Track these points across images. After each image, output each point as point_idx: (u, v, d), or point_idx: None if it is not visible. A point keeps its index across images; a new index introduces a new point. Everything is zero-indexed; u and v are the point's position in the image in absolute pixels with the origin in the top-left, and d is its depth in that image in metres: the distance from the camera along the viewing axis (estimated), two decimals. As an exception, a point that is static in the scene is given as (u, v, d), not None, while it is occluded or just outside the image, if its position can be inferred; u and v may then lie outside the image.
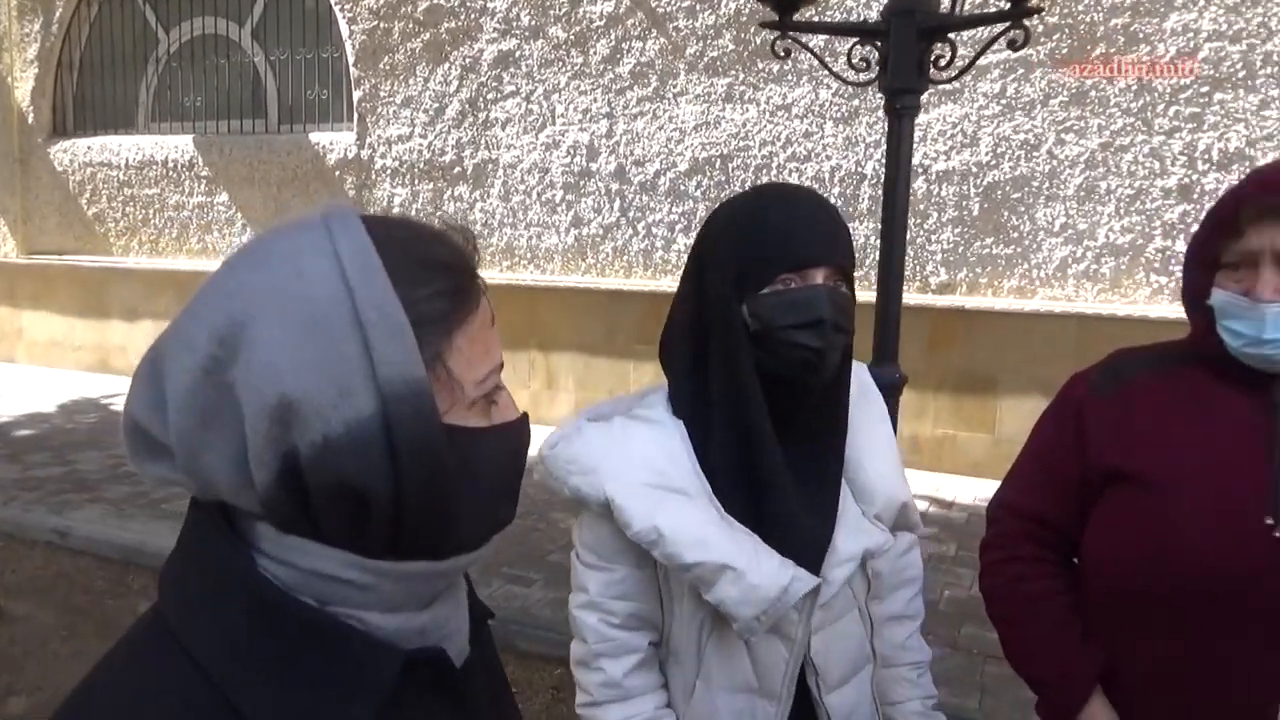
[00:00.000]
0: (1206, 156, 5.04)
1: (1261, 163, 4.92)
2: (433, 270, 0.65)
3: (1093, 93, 5.22)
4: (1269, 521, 1.20)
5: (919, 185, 5.61)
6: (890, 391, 2.15)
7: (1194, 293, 1.31)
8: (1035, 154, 5.39)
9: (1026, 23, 1.91)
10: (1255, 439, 1.25)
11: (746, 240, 1.21)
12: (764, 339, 1.19)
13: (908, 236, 5.54)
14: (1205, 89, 5.02)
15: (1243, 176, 1.30)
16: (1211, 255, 1.28)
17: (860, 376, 1.37)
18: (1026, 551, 1.43)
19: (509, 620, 3.54)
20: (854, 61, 2.08)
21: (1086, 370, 1.45)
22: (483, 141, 6.81)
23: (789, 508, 1.20)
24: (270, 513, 0.61)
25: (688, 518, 1.17)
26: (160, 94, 8.25)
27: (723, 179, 6.12)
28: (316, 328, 0.59)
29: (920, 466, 5.46)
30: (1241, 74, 4.95)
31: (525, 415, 0.74)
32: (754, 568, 1.15)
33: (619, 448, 1.22)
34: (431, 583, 0.68)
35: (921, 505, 4.99)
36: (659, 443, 1.23)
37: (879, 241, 2.28)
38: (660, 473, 1.20)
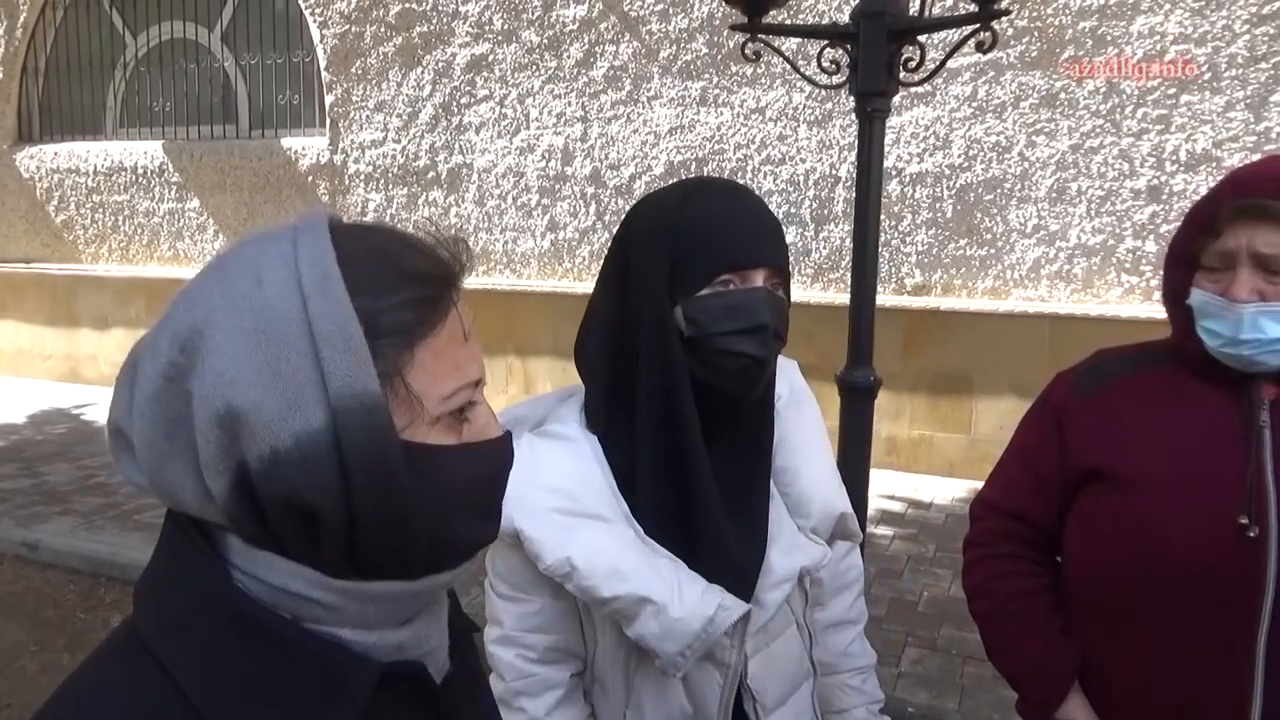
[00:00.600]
0: (1175, 158, 5.10)
1: (1228, 164, 5.00)
2: (397, 281, 0.63)
3: (1062, 95, 5.28)
4: (1242, 521, 1.21)
5: (893, 188, 5.65)
6: (865, 395, 2.15)
7: (1174, 292, 1.32)
8: (1007, 156, 5.43)
9: (995, 25, 1.92)
10: (1233, 439, 1.26)
11: (682, 237, 1.11)
12: (698, 345, 1.10)
13: (882, 239, 5.60)
14: (1172, 91, 5.08)
15: (1220, 178, 1.31)
16: (1190, 255, 1.29)
17: (789, 375, 1.30)
18: (1008, 549, 1.44)
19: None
20: (824, 64, 2.09)
21: (1069, 370, 1.46)
22: (457, 146, 6.78)
23: (718, 530, 1.11)
24: (234, 526, 0.61)
25: (603, 546, 1.09)
26: (128, 99, 8.15)
27: (698, 182, 6.12)
28: (268, 338, 0.58)
29: (897, 468, 5.48)
30: (1207, 76, 5.01)
31: (507, 435, 0.71)
32: (676, 599, 1.07)
33: (526, 472, 1.10)
34: (405, 603, 0.66)
35: (898, 506, 5.02)
36: (570, 463, 1.14)
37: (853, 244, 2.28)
38: (572, 497, 1.11)
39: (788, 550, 1.19)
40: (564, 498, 1.11)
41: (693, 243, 1.11)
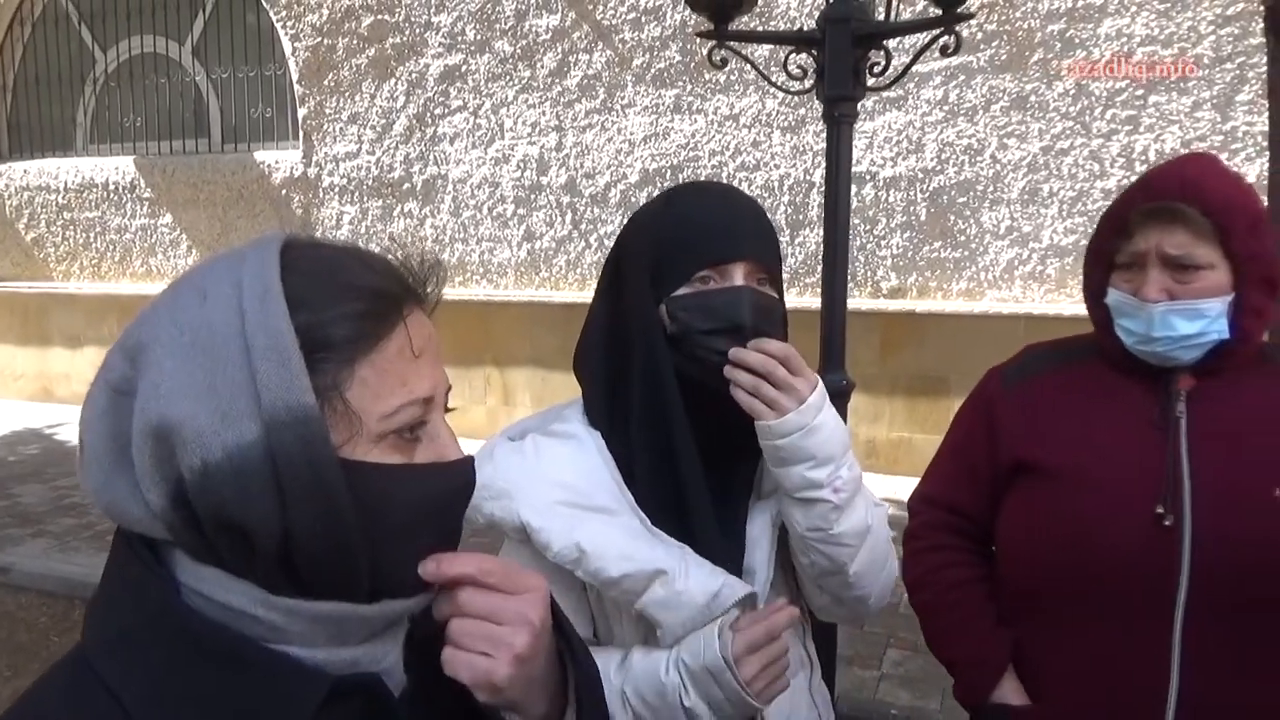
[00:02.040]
0: (1144, 158, 5.15)
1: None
2: (340, 295, 0.62)
3: (1032, 97, 5.33)
4: (1159, 511, 1.26)
5: (867, 192, 5.68)
6: (838, 398, 2.15)
7: (1094, 291, 1.39)
8: (979, 158, 5.47)
9: (962, 29, 1.93)
10: (1152, 431, 1.32)
11: (662, 235, 1.13)
12: (682, 343, 1.12)
13: (858, 243, 5.63)
14: (1140, 92, 5.14)
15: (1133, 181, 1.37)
16: (1106, 256, 1.35)
17: None
18: (945, 541, 1.48)
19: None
20: (791, 70, 2.09)
21: (1001, 365, 1.52)
22: (431, 157, 6.76)
23: (710, 530, 1.13)
24: (177, 541, 0.60)
25: (611, 534, 1.10)
26: (99, 115, 8.08)
27: (673, 189, 6.14)
28: (204, 352, 0.58)
29: (877, 470, 5.50)
30: (1174, 77, 5.07)
31: (468, 459, 0.69)
32: (683, 574, 1.09)
33: (531, 468, 1.13)
34: (355, 626, 0.64)
35: (879, 509, 5.02)
36: (575, 459, 1.15)
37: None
38: (578, 491, 1.12)
39: (758, 510, 1.20)
40: (569, 491, 1.12)
41: (673, 241, 1.12)
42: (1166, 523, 1.26)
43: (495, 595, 0.67)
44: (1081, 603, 1.32)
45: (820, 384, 1.13)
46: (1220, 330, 1.28)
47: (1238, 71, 4.97)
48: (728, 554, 1.15)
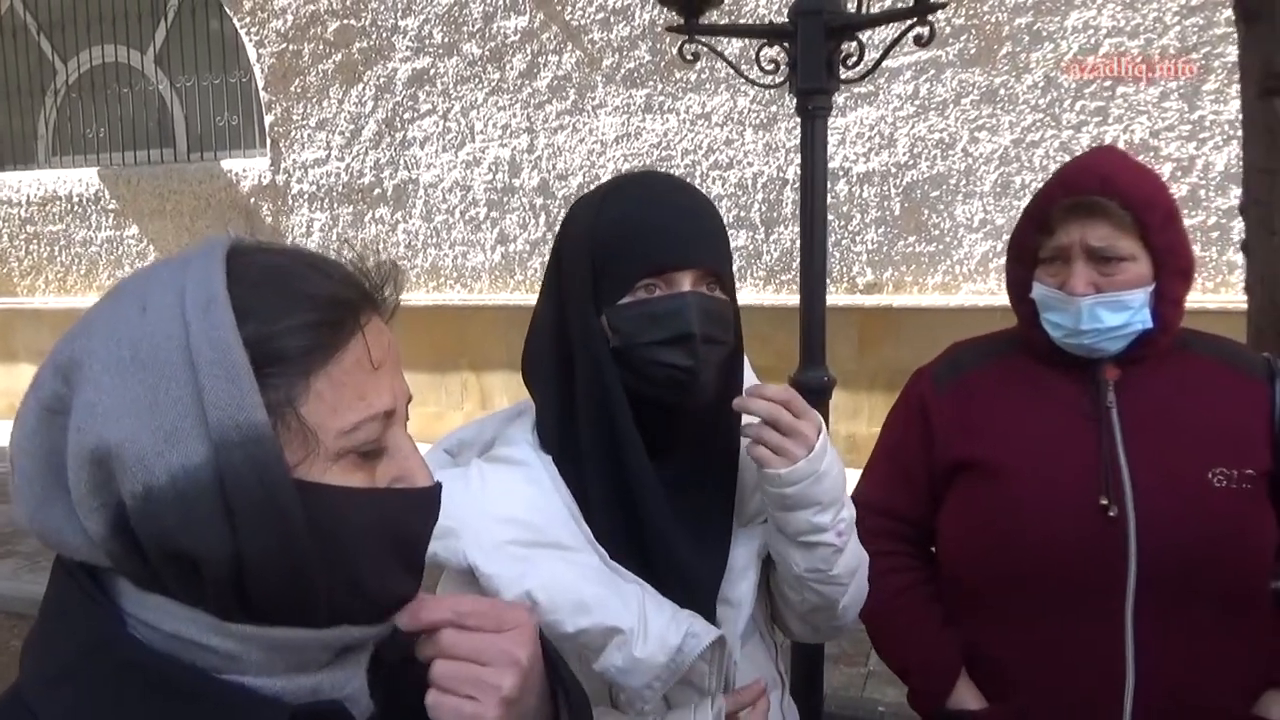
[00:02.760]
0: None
1: (1165, 152, 5.10)
2: (291, 304, 0.57)
3: (1002, 90, 5.35)
4: (1103, 502, 1.28)
5: (841, 188, 5.67)
6: (820, 395, 2.13)
7: (1017, 286, 1.41)
8: (951, 152, 5.49)
9: (933, 21, 1.91)
10: (1084, 422, 1.34)
11: (601, 239, 1.03)
12: (626, 356, 1.02)
13: (833, 239, 5.62)
14: (1108, 84, 5.17)
15: (1050, 177, 1.39)
16: (1030, 251, 1.37)
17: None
18: (886, 546, 1.46)
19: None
20: (763, 64, 2.07)
21: (929, 365, 1.53)
22: (401, 162, 6.69)
23: (672, 553, 1.04)
24: (120, 569, 0.56)
25: (565, 577, 1.00)
26: (60, 126, 7.93)
27: (647, 190, 6.11)
28: (144, 367, 0.53)
29: (858, 466, 5.46)
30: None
31: (435, 487, 0.65)
32: (641, 631, 0.99)
33: (478, 503, 1.03)
34: (314, 652, 0.60)
35: (861, 504, 5.02)
36: (525, 490, 1.05)
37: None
38: (529, 527, 1.03)
39: (747, 553, 1.13)
40: (520, 528, 1.03)
41: (612, 247, 1.03)
42: (1111, 513, 1.28)
43: (479, 635, 0.64)
44: (1030, 598, 1.33)
45: (822, 424, 1.08)
46: (1144, 320, 1.31)
47: (1203, 61, 5.01)
48: (694, 577, 1.06)
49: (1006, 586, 1.35)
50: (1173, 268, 1.33)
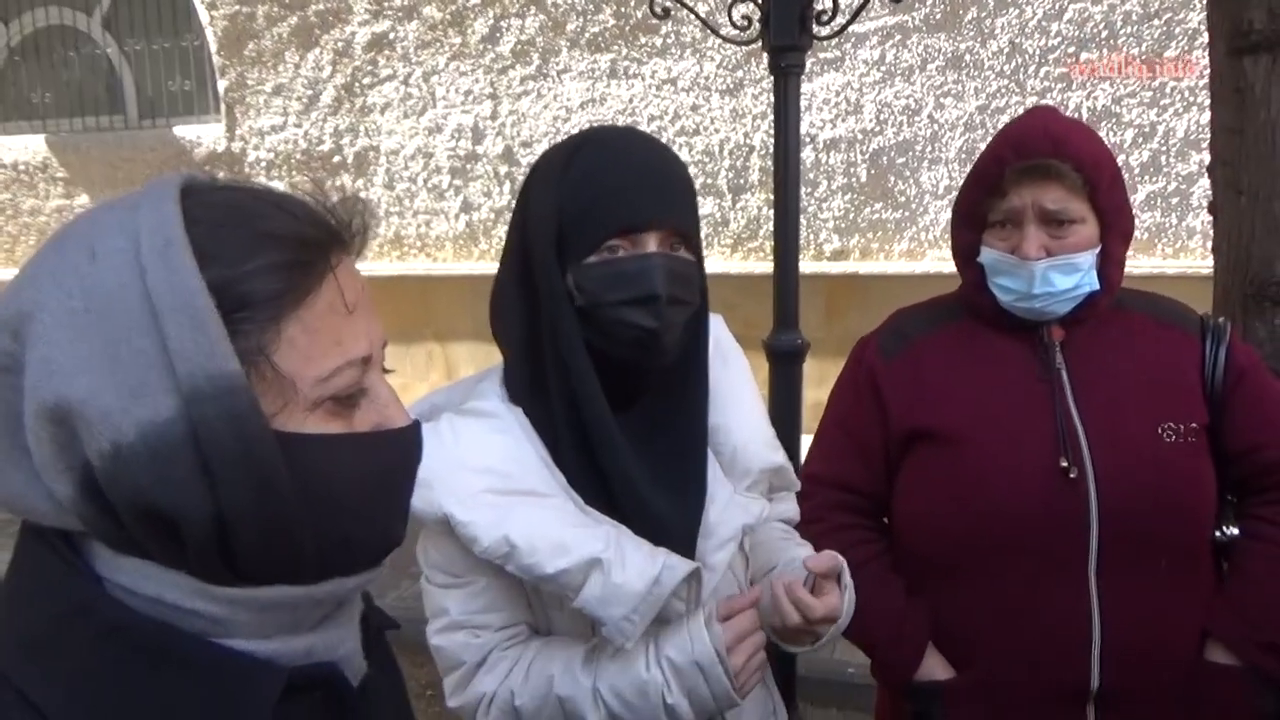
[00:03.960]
0: (1076, 115, 5.21)
1: (1127, 119, 5.14)
2: (256, 245, 0.54)
3: (968, 57, 5.34)
4: (1063, 464, 1.29)
5: (807, 154, 5.65)
6: (793, 358, 2.13)
7: (964, 250, 1.40)
8: (916, 119, 5.48)
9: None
10: (1036, 384, 1.35)
11: (566, 197, 1.04)
12: (591, 315, 1.04)
13: (800, 206, 5.60)
14: (1072, 49, 5.19)
15: (995, 136, 1.39)
16: (978, 215, 1.36)
17: (715, 332, 1.24)
18: (841, 520, 1.46)
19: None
20: (735, 21, 2.03)
21: (872, 334, 1.52)
22: (362, 129, 6.56)
23: (641, 494, 1.06)
24: (93, 532, 0.53)
25: (542, 521, 1.02)
26: (3, 92, 7.66)
27: (613, 157, 6.05)
28: (101, 318, 0.50)
29: (824, 433, 5.53)
30: (1104, 34, 5.13)
31: (414, 425, 0.63)
32: (618, 563, 1.01)
33: (451, 455, 1.04)
34: (306, 610, 0.58)
35: (828, 471, 5.06)
36: (496, 440, 1.07)
37: (771, 211, 2.24)
38: (503, 475, 1.05)
39: (726, 509, 1.14)
40: (495, 477, 1.04)
41: (577, 206, 1.03)
42: (1071, 474, 1.28)
43: None
44: (995, 563, 1.33)
45: (850, 591, 1.14)
46: (1091, 283, 1.32)
47: (1165, 28, 5.04)
48: (666, 522, 1.08)
49: (969, 554, 1.35)
50: (1118, 229, 1.34)
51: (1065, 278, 1.29)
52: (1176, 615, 1.32)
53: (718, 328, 1.26)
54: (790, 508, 1.35)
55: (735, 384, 1.23)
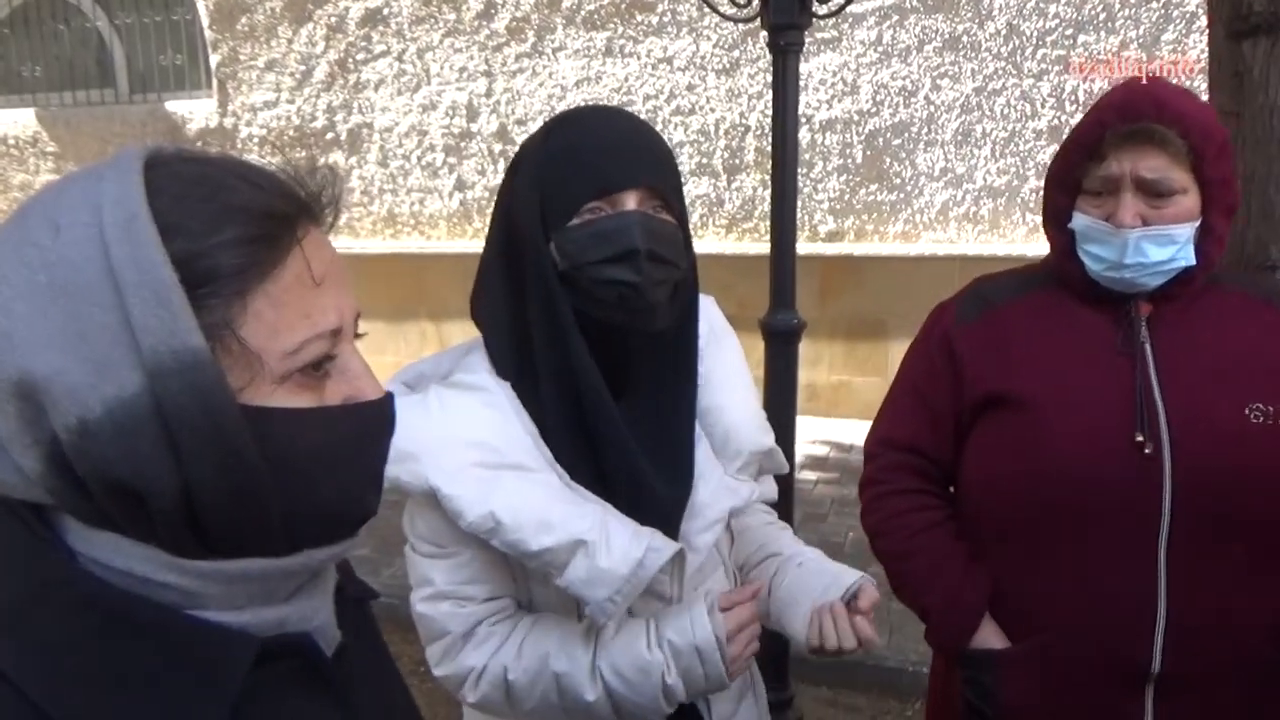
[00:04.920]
0: (1074, 98, 5.20)
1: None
2: (220, 218, 0.54)
3: (964, 38, 5.32)
4: (1139, 439, 1.25)
5: (803, 135, 5.63)
6: (789, 338, 2.13)
7: (1056, 215, 1.35)
8: (913, 100, 5.47)
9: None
10: (1117, 358, 1.30)
11: (548, 167, 1.07)
12: (575, 278, 1.05)
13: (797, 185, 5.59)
14: (1069, 32, 5.17)
15: (1099, 101, 1.32)
16: (1073, 180, 1.30)
17: (708, 313, 1.25)
18: (906, 484, 1.44)
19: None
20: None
21: (950, 300, 1.48)
22: (355, 105, 6.51)
23: (633, 466, 1.08)
24: (63, 505, 0.53)
25: (528, 496, 1.04)
26: (-7, 64, 7.58)
27: (608, 136, 6.01)
28: (64, 293, 0.50)
29: (818, 413, 5.55)
30: (1102, 16, 5.11)
31: (386, 396, 0.62)
32: (603, 545, 1.03)
33: (439, 427, 1.06)
34: (278, 582, 0.58)
35: (822, 450, 5.08)
36: (486, 413, 1.08)
37: (766, 191, 2.24)
38: (490, 448, 1.06)
39: (715, 491, 1.15)
40: (483, 450, 1.05)
41: (559, 172, 1.06)
42: (1147, 450, 1.24)
43: None
44: (1061, 534, 1.30)
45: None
46: (1187, 257, 1.27)
47: (1162, 11, 5.03)
48: (656, 497, 1.09)
49: (1035, 523, 1.31)
50: (1222, 203, 1.28)
51: (1160, 249, 1.24)
52: (1250, 603, 1.27)
53: (710, 309, 1.27)
54: (770, 489, 1.35)
55: (728, 366, 1.24)
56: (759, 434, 1.24)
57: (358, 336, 0.63)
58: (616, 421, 1.07)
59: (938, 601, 1.39)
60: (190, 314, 0.51)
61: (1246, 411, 1.25)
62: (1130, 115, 1.24)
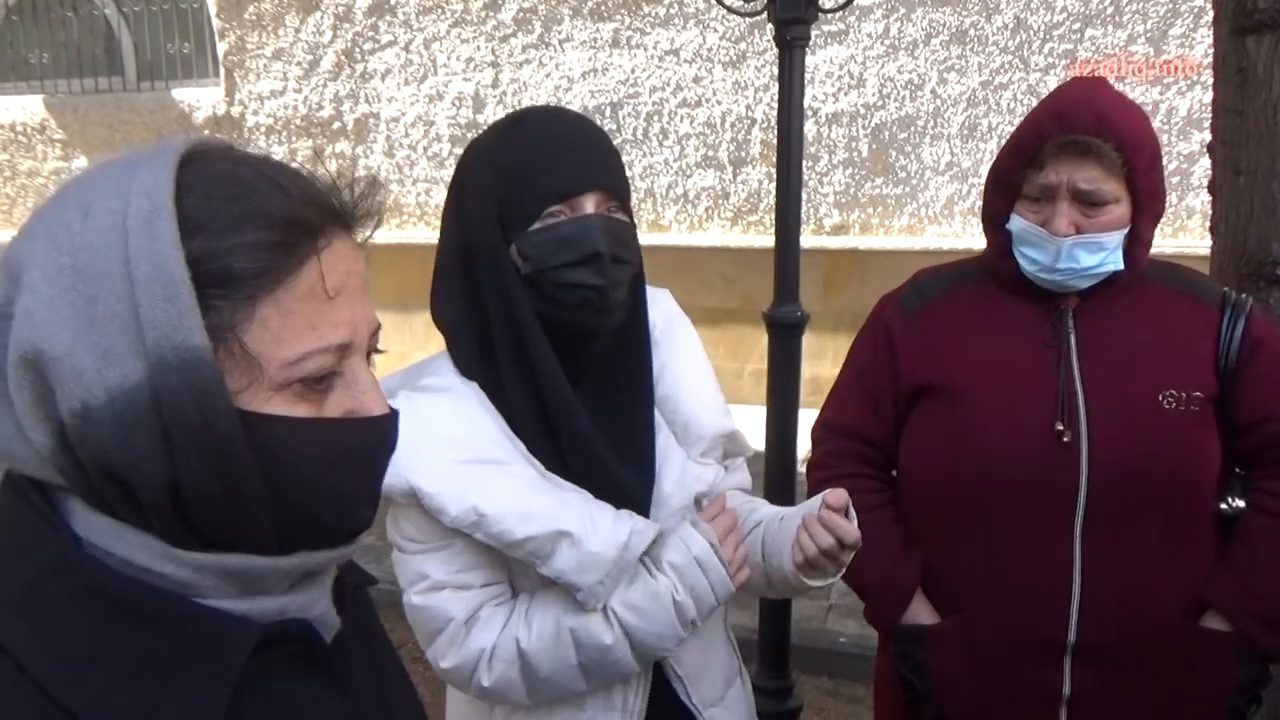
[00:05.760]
0: (1080, 92, 5.19)
1: (1131, 96, 5.12)
2: (241, 221, 0.54)
3: (971, 31, 5.31)
4: (1059, 428, 1.33)
5: (809, 128, 5.63)
6: (793, 330, 2.14)
7: (994, 216, 1.42)
8: (919, 94, 5.46)
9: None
10: (1044, 350, 1.38)
11: (505, 171, 1.08)
12: (538, 281, 1.07)
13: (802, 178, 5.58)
14: (1077, 26, 5.16)
15: (1039, 107, 1.38)
16: (1013, 184, 1.37)
17: (662, 305, 1.28)
18: (850, 469, 1.51)
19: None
20: (742, -8, 2.03)
21: (895, 292, 1.55)
22: (362, 95, 6.51)
23: (598, 455, 1.11)
24: (71, 485, 0.54)
25: (508, 489, 1.06)
26: (1, 52, 7.59)
27: (614, 127, 6.02)
28: (83, 278, 0.51)
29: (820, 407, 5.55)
30: (1109, 11, 5.10)
31: (386, 416, 0.63)
32: (590, 530, 1.06)
33: (411, 428, 1.03)
34: (275, 579, 0.59)
35: (823, 444, 5.09)
36: (455, 412, 1.10)
37: (772, 184, 2.25)
38: (465, 445, 1.07)
39: (680, 479, 1.19)
40: (459, 447, 1.07)
41: (517, 177, 1.08)
42: (1065, 439, 1.32)
43: None
44: (985, 517, 1.38)
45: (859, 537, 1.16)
46: (1116, 262, 1.34)
47: (1170, 5, 5.01)
48: (624, 488, 1.13)
49: (962, 508, 1.40)
50: (1150, 211, 1.35)
51: (1090, 255, 1.31)
52: (1160, 580, 1.35)
53: (664, 301, 1.30)
54: (744, 477, 1.38)
55: (685, 354, 1.27)
56: (719, 417, 1.27)
57: (378, 352, 0.64)
58: (579, 413, 1.10)
59: (872, 579, 1.47)
60: (197, 312, 0.52)
61: (1160, 398, 1.33)
62: (1069, 126, 1.30)
